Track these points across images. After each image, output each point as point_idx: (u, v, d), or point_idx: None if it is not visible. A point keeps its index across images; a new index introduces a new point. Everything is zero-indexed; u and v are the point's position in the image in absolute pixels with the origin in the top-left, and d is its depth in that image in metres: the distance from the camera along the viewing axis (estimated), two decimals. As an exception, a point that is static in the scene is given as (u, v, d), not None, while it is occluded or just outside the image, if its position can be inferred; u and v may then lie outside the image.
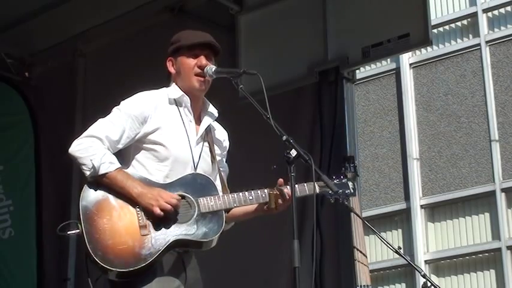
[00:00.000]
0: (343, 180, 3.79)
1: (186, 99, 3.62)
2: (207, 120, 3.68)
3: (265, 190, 3.57)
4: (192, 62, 3.62)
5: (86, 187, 3.42)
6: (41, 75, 7.49)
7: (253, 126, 4.36)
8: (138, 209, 3.38)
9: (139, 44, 6.68)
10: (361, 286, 4.98)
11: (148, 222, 3.37)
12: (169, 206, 3.35)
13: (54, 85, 7.37)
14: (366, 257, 5.07)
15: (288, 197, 3.53)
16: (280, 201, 3.55)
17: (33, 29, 6.92)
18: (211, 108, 3.72)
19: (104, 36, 7.02)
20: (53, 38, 7.11)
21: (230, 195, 3.56)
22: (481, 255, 12.18)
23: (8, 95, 7.46)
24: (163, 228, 3.37)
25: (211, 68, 3.62)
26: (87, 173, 3.40)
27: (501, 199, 12.04)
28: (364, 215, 6.23)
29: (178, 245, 3.39)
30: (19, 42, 7.16)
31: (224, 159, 3.81)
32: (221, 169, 3.74)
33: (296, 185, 3.50)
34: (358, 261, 5.01)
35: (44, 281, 6.96)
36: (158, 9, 6.69)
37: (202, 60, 3.61)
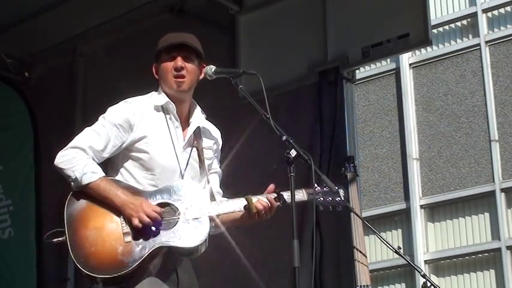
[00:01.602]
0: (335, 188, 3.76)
1: (172, 106, 3.61)
2: (194, 125, 3.66)
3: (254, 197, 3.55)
4: (169, 64, 3.60)
5: (70, 196, 3.46)
6: (41, 75, 7.49)
7: (253, 127, 4.36)
8: (122, 217, 3.40)
9: (139, 44, 6.67)
10: (361, 286, 4.98)
11: (132, 230, 3.38)
12: (147, 219, 3.36)
13: (54, 85, 7.37)
14: (366, 257, 5.08)
15: (268, 206, 3.51)
16: (259, 205, 3.52)
17: (33, 29, 6.92)
18: (199, 111, 3.71)
19: (104, 36, 7.02)
20: (53, 38, 7.12)
21: (216, 203, 3.56)
22: (480, 255, 12.17)
23: (8, 95, 7.46)
24: (148, 237, 3.38)
25: (210, 68, 3.62)
26: (72, 183, 3.44)
27: (501, 199, 12.03)
28: (364, 215, 6.25)
29: (162, 251, 3.40)
30: (19, 42, 7.16)
31: (216, 160, 3.80)
32: (211, 172, 3.72)
33: (283, 193, 3.51)
34: (358, 261, 5.02)
35: (44, 281, 6.96)
36: (158, 9, 6.69)
37: (178, 61, 3.58)
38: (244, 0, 6.45)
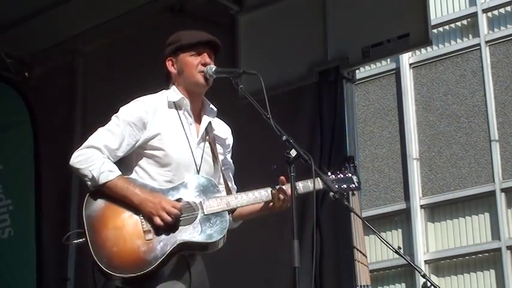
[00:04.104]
0: (348, 175, 3.79)
1: (186, 102, 3.62)
2: (206, 120, 3.68)
3: (268, 189, 3.58)
4: (195, 59, 3.62)
5: (88, 197, 3.44)
6: (41, 75, 7.49)
7: (253, 126, 4.36)
8: (141, 215, 3.40)
9: (139, 44, 6.68)
10: (361, 286, 4.98)
11: (153, 227, 3.39)
12: (169, 218, 3.37)
13: (54, 85, 7.37)
14: (366, 257, 5.08)
15: (290, 195, 3.53)
16: (281, 196, 3.54)
17: (33, 29, 6.92)
18: (211, 107, 3.72)
19: (104, 36, 7.02)
20: (53, 38, 7.12)
21: (233, 196, 3.57)
22: (481, 255, 12.18)
23: (8, 95, 7.46)
24: (167, 233, 3.39)
25: (211, 68, 3.63)
26: (88, 183, 3.44)
27: (501, 199, 12.03)
28: (364, 215, 6.25)
29: (183, 248, 3.40)
30: (19, 42, 7.16)
31: (229, 156, 3.81)
32: (225, 167, 3.74)
33: (299, 182, 3.52)
34: (358, 261, 5.02)
35: (44, 281, 6.96)
36: (158, 9, 6.69)
37: (206, 58, 3.63)
38: (244, 0, 6.46)
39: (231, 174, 3.79)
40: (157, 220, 3.36)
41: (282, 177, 3.53)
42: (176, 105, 3.63)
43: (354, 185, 3.77)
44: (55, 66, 7.38)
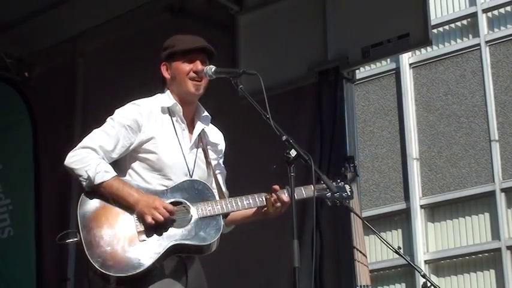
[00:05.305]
0: (340, 184, 3.79)
1: (179, 108, 3.63)
2: (199, 126, 3.69)
3: (262, 194, 3.58)
4: (187, 66, 3.62)
5: (83, 196, 3.46)
6: (41, 75, 7.49)
7: (253, 127, 4.36)
8: (135, 216, 3.41)
9: (139, 44, 6.68)
10: (361, 286, 4.99)
11: (146, 228, 3.39)
12: (160, 217, 3.37)
13: (54, 85, 7.37)
14: (366, 257, 5.08)
15: (285, 201, 3.54)
16: (278, 204, 3.55)
17: (33, 29, 6.92)
18: (205, 113, 3.73)
19: (104, 36, 7.02)
20: (53, 38, 7.12)
21: (227, 200, 3.58)
22: (481, 255, 12.17)
23: (7, 95, 7.47)
24: (161, 234, 3.40)
25: (210, 68, 3.62)
26: (84, 183, 3.45)
27: (501, 199, 12.03)
28: (364, 215, 6.25)
29: (177, 250, 3.41)
30: (19, 42, 7.17)
31: (221, 161, 3.82)
32: (218, 172, 3.74)
33: (295, 188, 3.51)
34: (358, 261, 5.03)
35: (44, 281, 6.96)
36: (158, 9, 6.69)
37: (198, 65, 3.62)
38: (244, 0, 6.46)
39: (223, 179, 3.79)
40: (149, 219, 3.37)
41: (276, 186, 3.54)
42: (169, 111, 3.63)
43: (346, 194, 3.78)
44: (55, 66, 7.38)
